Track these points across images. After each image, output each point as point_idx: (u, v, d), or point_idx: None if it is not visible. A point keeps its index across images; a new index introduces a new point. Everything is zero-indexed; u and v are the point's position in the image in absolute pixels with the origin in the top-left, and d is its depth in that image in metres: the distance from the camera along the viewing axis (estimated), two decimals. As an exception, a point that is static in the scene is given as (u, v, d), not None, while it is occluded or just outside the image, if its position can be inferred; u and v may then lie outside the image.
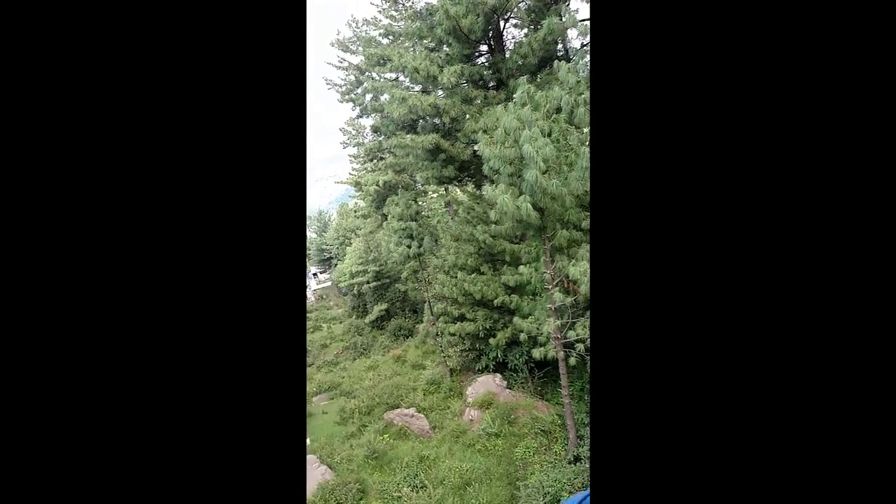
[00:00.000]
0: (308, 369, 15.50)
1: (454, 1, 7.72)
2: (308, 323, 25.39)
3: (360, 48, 17.95)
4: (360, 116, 19.57)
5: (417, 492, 6.70)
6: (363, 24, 17.84)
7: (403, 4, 12.62)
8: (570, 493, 6.18)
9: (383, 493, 7.04)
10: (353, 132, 21.90)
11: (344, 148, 22.86)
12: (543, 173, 5.46)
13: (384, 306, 20.23)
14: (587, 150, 5.64)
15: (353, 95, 18.51)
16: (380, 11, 14.59)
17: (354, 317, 22.60)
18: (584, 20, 7.55)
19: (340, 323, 23.81)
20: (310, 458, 8.34)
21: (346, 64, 18.72)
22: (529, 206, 5.57)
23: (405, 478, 7.29)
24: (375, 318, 20.13)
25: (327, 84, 19.30)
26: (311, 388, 13.33)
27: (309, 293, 33.74)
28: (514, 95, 5.93)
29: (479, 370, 10.50)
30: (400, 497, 6.70)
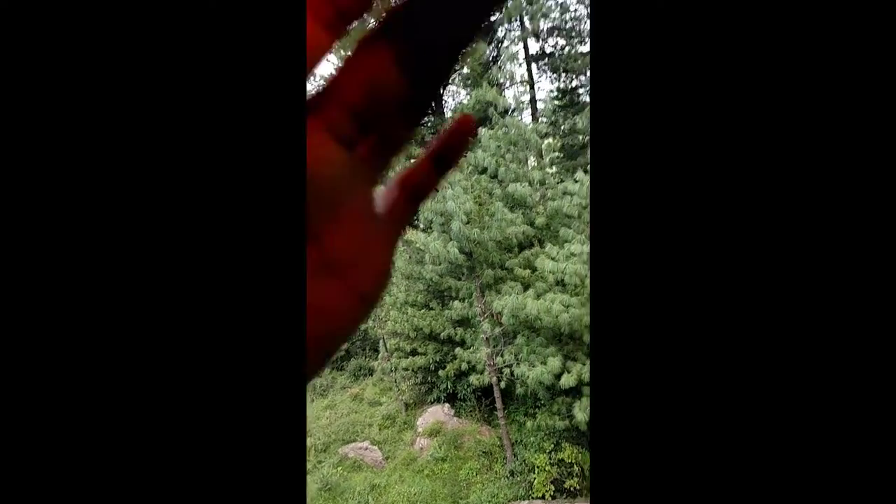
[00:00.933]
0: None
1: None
2: (266, 367, 25.12)
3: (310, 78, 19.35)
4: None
5: (366, 515, 7.34)
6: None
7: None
8: (503, 500, 7.01)
9: (335, 520, 7.61)
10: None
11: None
12: (465, 224, 6.65)
13: (344, 346, 20.63)
14: (501, 204, 6.92)
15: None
16: (333, 56, 16.06)
17: (314, 358, 22.73)
18: (505, 87, 9.10)
19: (300, 365, 23.82)
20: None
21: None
22: (456, 250, 6.72)
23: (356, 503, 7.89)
24: (334, 358, 20.45)
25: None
26: (267, 430, 13.56)
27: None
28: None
29: (431, 402, 11.28)
30: (350, 522, 7.30)
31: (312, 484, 9.11)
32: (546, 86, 13.95)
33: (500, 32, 12.41)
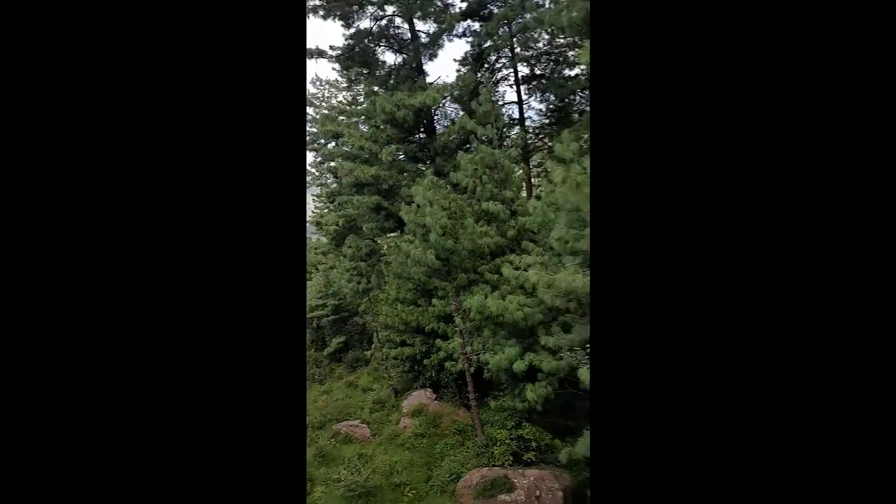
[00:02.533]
0: (267, 398, 17.22)
1: (387, 99, 10.65)
2: (267, 356, 26.81)
3: (322, 104, 20.89)
4: (322, 163, 22.23)
5: (353, 475, 8.91)
6: (324, 84, 20.84)
7: (355, 81, 15.63)
8: (469, 469, 8.55)
9: (326, 479, 9.21)
10: (317, 174, 24.49)
11: (308, 187, 25.43)
12: (441, 236, 8.19)
13: (342, 338, 22.11)
14: (471, 220, 8.44)
15: (315, 145, 21.22)
16: (339, 77, 17.58)
17: (313, 349, 24.29)
18: (488, 114, 10.62)
19: (300, 356, 25.46)
20: (268, 461, 10.37)
21: (309, 118, 21.51)
22: (433, 256, 8.26)
23: (345, 468, 9.49)
24: (333, 350, 21.95)
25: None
26: (269, 411, 15.21)
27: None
28: (425, 179, 8.74)
29: (417, 388, 12.84)
30: (339, 480, 8.89)
31: (309, 453, 10.70)
32: (536, 104, 15.36)
33: (493, 57, 13.87)
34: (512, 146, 12.03)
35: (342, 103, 16.57)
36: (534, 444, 8.65)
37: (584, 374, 5.78)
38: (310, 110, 22.30)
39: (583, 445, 6.57)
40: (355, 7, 11.76)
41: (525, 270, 7.79)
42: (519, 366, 7.59)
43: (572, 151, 6.23)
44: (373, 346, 15.01)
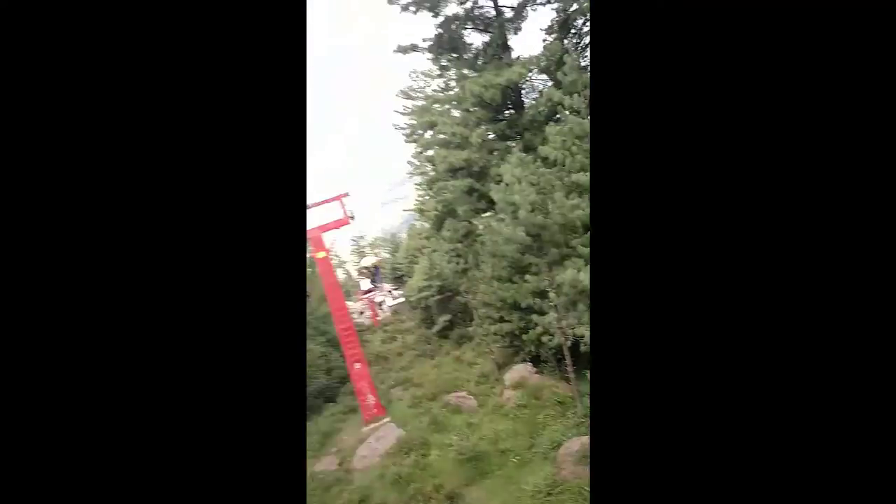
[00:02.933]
0: (390, 372, 19.13)
1: (474, 81, 10.97)
2: (386, 335, 29.56)
3: (419, 95, 21.89)
4: (421, 153, 23.40)
5: (462, 441, 9.73)
6: (419, 75, 21.79)
7: (446, 68, 16.14)
8: (569, 437, 8.79)
9: (440, 444, 10.18)
10: (417, 164, 25.88)
11: (411, 177, 27.10)
12: (530, 212, 8.39)
13: (448, 317, 23.39)
14: (561, 194, 8.46)
15: (415, 136, 22.40)
16: (433, 66, 18.33)
17: (423, 328, 26.07)
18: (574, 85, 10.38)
19: (412, 334, 27.50)
20: (390, 425, 11.75)
21: (408, 110, 22.74)
22: (523, 233, 8.51)
23: (456, 435, 10.37)
24: (441, 328, 23.35)
25: (395, 127, 23.56)
26: (389, 383, 16.90)
27: (386, 310, 38.27)
28: (512, 157, 8.98)
29: (518, 362, 13.28)
30: (450, 444, 9.78)
31: (424, 421, 11.86)
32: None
33: (579, 21, 13.32)
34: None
35: (436, 91, 17.27)
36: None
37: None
38: (408, 103, 23.54)
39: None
40: (442, -5, 12.20)
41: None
42: (615, 338, 7.57)
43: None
44: (473, 322, 15.73)
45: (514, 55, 12.50)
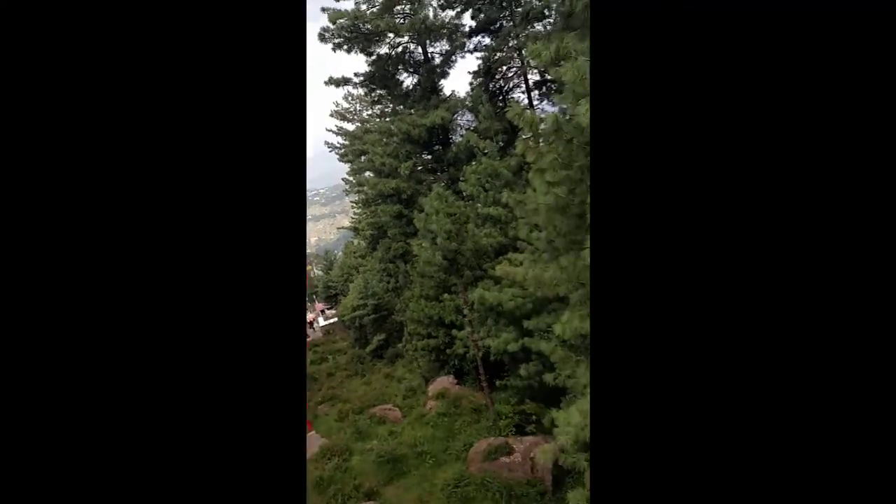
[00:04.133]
0: (319, 391, 19.72)
1: (402, 119, 12.52)
2: (315, 356, 29.74)
3: (355, 118, 23.21)
4: (357, 173, 24.61)
5: (383, 445, 10.88)
6: (355, 99, 23.16)
7: (378, 102, 17.58)
8: (479, 438, 10.24)
9: (362, 450, 11.24)
10: (355, 182, 26.97)
11: (346, 195, 28.13)
12: (446, 239, 9.93)
13: (382, 336, 24.30)
14: (472, 225, 10.10)
15: (349, 157, 23.59)
16: (363, 95, 19.75)
17: (357, 347, 26.69)
18: (485, 135, 12.23)
19: (344, 354, 27.98)
20: (314, 435, 12.59)
21: (344, 131, 23.94)
22: (440, 257, 10.03)
23: (378, 441, 11.48)
24: (375, 347, 24.15)
25: (328, 147, 24.59)
26: (318, 399, 17.58)
27: (317, 329, 38.17)
28: (432, 191, 10.53)
29: (443, 375, 14.68)
30: (371, 449, 10.89)
31: (348, 431, 12.81)
32: (549, 108, 16.78)
33: (504, 67, 15.40)
34: (513, 155, 13.57)
35: (368, 119, 18.69)
36: (533, 416, 10.21)
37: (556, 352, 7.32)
38: (344, 124, 24.71)
39: (562, 413, 8.10)
40: (375, 38, 13.74)
41: (520, 265, 9.38)
42: (513, 347, 9.20)
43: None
44: (403, 339, 16.96)
45: (446, 92, 14.24)
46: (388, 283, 15.10)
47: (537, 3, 12.53)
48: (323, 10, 12.92)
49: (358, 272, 31.00)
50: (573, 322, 5.61)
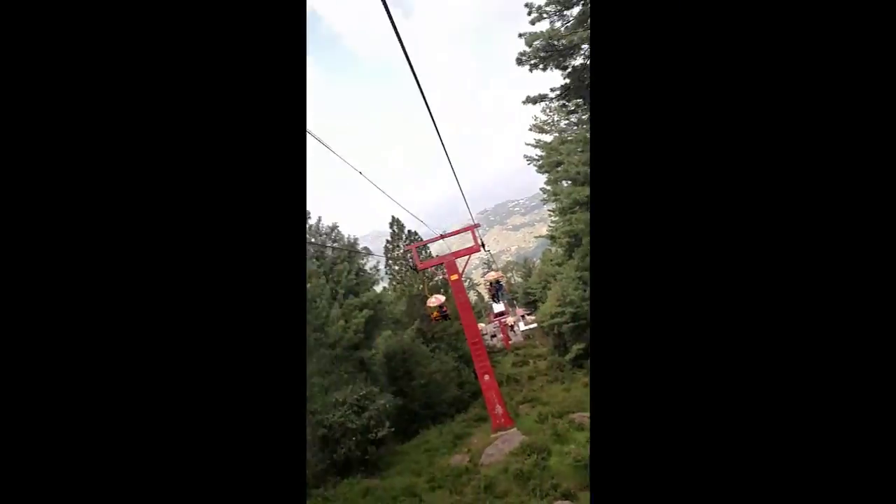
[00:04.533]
0: (521, 392, 20.92)
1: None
2: (517, 358, 31.19)
3: (553, 129, 23.84)
4: (555, 182, 25.13)
5: (580, 449, 11.12)
6: (552, 112, 23.77)
7: (574, 112, 17.72)
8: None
9: (559, 452, 11.71)
10: (551, 191, 27.59)
11: (544, 203, 29.02)
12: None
13: (582, 345, 24.01)
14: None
15: (546, 167, 24.28)
16: (559, 108, 20.16)
17: (556, 354, 26.91)
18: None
19: (544, 360, 28.55)
20: (516, 432, 13.62)
21: (543, 143, 24.80)
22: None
23: (576, 446, 11.77)
24: (574, 356, 24.01)
25: (526, 160, 25.84)
26: (519, 399, 18.70)
27: (518, 333, 39.77)
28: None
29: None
30: (569, 452, 11.25)
31: (547, 433, 13.39)
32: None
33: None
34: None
35: (564, 129, 19.07)
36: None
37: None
38: (542, 136, 25.62)
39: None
40: (570, 52, 14.15)
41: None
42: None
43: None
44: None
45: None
46: (585, 290, 15.17)
47: None
48: (520, 35, 13.99)
49: (555, 279, 31.22)
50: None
